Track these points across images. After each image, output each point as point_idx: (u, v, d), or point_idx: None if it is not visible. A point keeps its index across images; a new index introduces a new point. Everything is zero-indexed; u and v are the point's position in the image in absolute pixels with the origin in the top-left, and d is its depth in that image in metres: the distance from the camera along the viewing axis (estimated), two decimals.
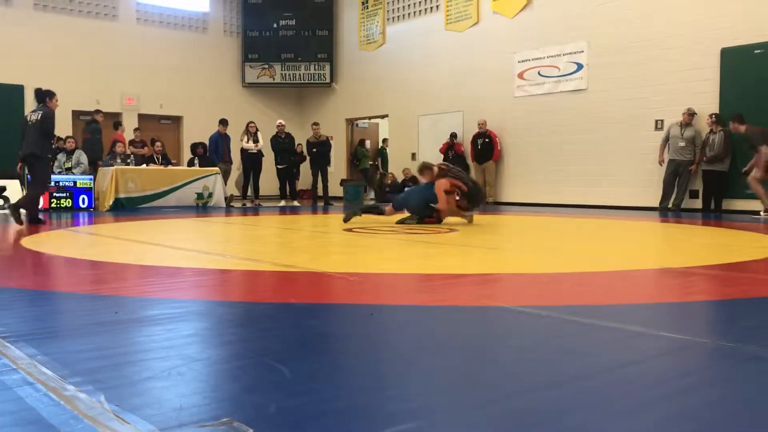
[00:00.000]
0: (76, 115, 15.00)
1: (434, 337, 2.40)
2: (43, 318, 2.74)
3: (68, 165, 11.70)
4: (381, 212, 7.87)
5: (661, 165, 10.78)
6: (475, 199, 6.96)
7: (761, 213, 9.49)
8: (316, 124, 14.04)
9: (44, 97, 7.78)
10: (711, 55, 10.39)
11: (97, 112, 13.27)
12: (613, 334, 2.33)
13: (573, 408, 1.58)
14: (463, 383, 1.81)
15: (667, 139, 10.68)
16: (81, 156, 11.86)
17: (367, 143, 17.51)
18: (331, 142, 15.36)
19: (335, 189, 15.47)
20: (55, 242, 5.93)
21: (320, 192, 13.84)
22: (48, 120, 7.62)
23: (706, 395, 1.69)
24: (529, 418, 1.51)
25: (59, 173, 11.46)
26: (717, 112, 10.18)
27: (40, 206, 8.19)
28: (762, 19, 9.87)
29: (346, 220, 7.62)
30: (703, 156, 10.29)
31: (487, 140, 13.32)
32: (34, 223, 7.55)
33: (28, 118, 7.75)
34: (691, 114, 10.41)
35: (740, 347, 2.13)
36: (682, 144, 10.48)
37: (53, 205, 10.55)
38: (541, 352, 2.15)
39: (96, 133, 12.77)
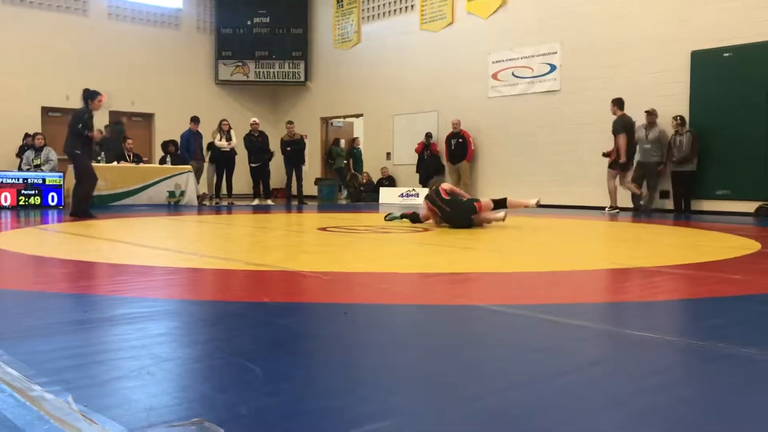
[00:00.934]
0: (46, 111, 14.76)
1: (407, 336, 2.40)
2: (10, 317, 2.69)
3: (37, 162, 11.51)
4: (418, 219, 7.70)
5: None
6: (452, 222, 7.01)
7: (606, 209, 10.72)
8: (290, 122, 13.98)
9: (87, 97, 8.29)
10: (681, 58, 10.55)
11: (125, 114, 13.34)
12: (584, 333, 2.35)
13: (546, 406, 1.59)
14: (436, 382, 1.81)
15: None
16: (50, 153, 11.68)
17: (342, 142, 17.48)
18: (306, 141, 15.30)
19: (310, 188, 15.42)
20: (24, 240, 5.82)
21: (294, 191, 13.77)
22: (76, 119, 8.14)
23: (677, 393, 1.71)
24: (502, 418, 1.51)
25: (27, 170, 11.27)
26: (684, 114, 10.36)
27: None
28: (732, 23, 10.05)
29: (387, 219, 7.77)
30: (671, 157, 10.46)
31: (461, 140, 13.36)
32: (85, 218, 8.00)
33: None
34: (652, 114, 10.56)
35: (709, 345, 2.16)
36: (648, 146, 10.63)
37: (21, 202, 10.36)
38: (513, 350, 2.16)
39: (119, 134, 12.83)
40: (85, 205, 8.31)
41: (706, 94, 10.33)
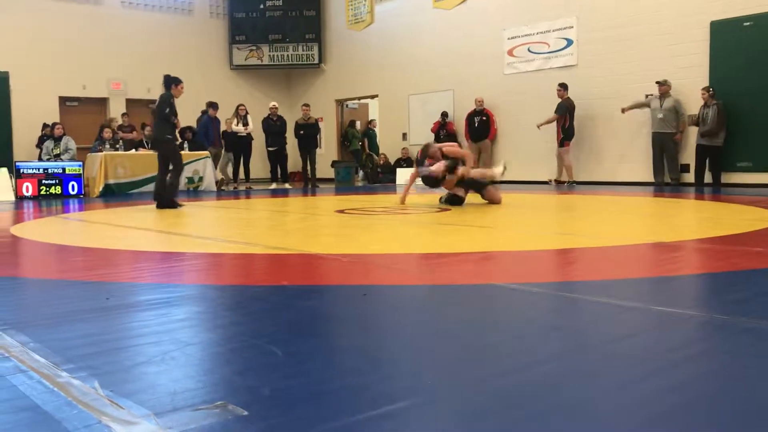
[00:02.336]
0: (63, 101, 14.86)
1: (427, 316, 2.41)
2: (35, 305, 2.73)
3: (56, 151, 11.62)
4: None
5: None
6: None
7: (552, 181, 11.99)
8: (306, 105, 13.88)
9: (169, 83, 8.16)
10: (700, 29, 10.36)
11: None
12: (605, 309, 2.34)
13: (567, 383, 1.59)
14: (456, 361, 1.81)
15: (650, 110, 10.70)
16: (69, 142, 11.78)
17: (358, 124, 17.43)
18: (321, 124, 15.24)
19: (327, 170, 15.43)
20: (46, 229, 5.90)
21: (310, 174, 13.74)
22: (161, 104, 8.00)
23: (699, 367, 1.70)
24: (523, 395, 1.52)
25: (47, 160, 11.39)
26: (707, 85, 10.17)
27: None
28: None
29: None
30: (686, 126, 10.36)
31: (484, 118, 13.26)
32: (170, 207, 7.78)
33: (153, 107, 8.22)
34: (663, 84, 10.41)
35: (731, 320, 2.14)
36: (661, 116, 10.49)
37: (43, 192, 10.48)
38: (534, 328, 2.16)
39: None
40: (174, 193, 8.04)
41: (726, 65, 10.14)
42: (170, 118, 8.01)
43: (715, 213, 6.13)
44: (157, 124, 8.15)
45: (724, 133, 10.01)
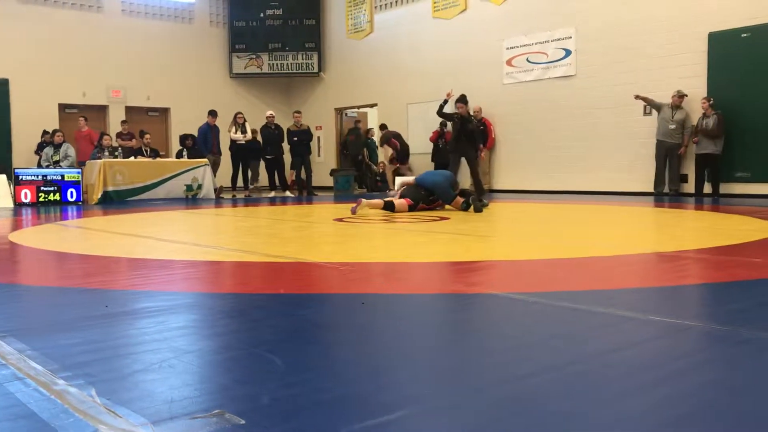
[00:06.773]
0: (63, 108, 14.88)
1: (425, 325, 2.40)
2: (32, 313, 2.73)
3: (56, 158, 11.62)
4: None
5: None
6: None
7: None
8: (298, 112, 13.83)
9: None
10: (699, 40, 10.40)
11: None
12: (603, 319, 2.34)
13: (564, 394, 1.58)
14: (454, 371, 1.81)
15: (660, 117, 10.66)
16: (68, 149, 11.79)
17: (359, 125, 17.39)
18: (320, 133, 15.19)
19: (326, 179, 15.40)
20: (44, 236, 5.89)
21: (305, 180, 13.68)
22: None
23: (697, 378, 1.70)
24: (520, 405, 1.51)
25: (46, 167, 11.38)
26: (706, 96, 10.19)
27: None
28: (749, 3, 9.88)
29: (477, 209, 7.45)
30: (692, 138, 10.31)
31: (481, 128, 13.28)
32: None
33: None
34: (681, 96, 10.40)
35: (730, 330, 2.14)
36: (672, 126, 10.48)
37: (41, 199, 10.48)
38: (531, 338, 2.16)
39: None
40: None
41: (724, 76, 10.16)
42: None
43: (713, 223, 6.14)
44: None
45: (722, 142, 10.02)
